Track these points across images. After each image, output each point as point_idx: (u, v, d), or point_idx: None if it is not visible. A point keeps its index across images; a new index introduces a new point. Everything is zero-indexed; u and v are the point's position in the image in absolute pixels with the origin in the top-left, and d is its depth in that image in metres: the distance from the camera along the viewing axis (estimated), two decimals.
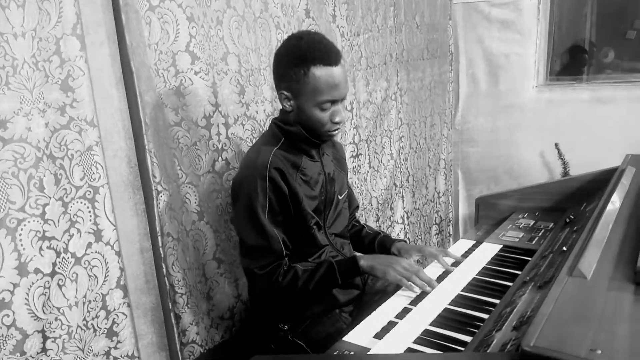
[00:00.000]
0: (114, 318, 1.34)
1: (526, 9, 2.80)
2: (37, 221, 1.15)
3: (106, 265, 1.31)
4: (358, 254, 1.48)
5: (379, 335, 1.13)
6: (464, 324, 1.13)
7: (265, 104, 1.74)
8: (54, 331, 1.20)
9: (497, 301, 1.21)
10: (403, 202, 2.66)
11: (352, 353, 1.05)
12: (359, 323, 1.19)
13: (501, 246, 1.59)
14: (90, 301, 1.28)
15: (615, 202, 1.32)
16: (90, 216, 1.27)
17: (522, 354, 0.66)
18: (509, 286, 1.28)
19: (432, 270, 1.44)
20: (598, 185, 1.70)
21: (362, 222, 1.78)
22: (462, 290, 1.30)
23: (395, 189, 2.59)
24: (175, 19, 1.41)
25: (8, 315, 1.11)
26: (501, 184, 3.00)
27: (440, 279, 1.38)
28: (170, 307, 1.47)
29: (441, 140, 3.03)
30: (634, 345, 0.68)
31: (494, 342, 0.92)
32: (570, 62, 3.01)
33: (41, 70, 1.14)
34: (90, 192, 1.27)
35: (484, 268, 1.44)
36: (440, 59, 2.90)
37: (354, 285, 1.49)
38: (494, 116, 3.02)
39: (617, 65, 2.92)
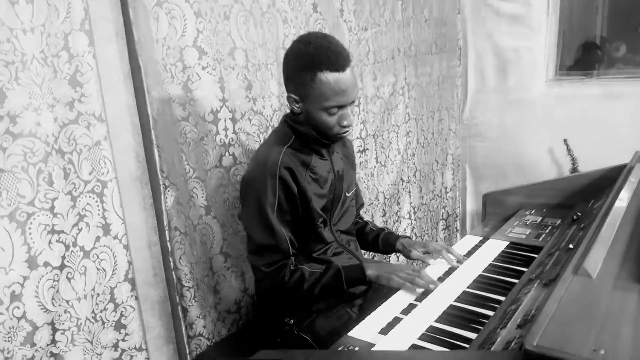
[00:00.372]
0: (122, 311, 1.36)
1: (536, 3, 2.77)
2: (47, 215, 1.17)
3: (114, 258, 1.33)
4: (365, 262, 1.48)
5: (384, 331, 1.14)
6: (469, 321, 1.13)
7: (272, 99, 1.74)
8: (63, 323, 1.22)
9: (502, 298, 1.21)
10: (410, 197, 2.66)
11: (356, 349, 1.06)
12: (365, 318, 1.20)
13: (508, 243, 1.58)
14: (98, 294, 1.30)
15: (622, 200, 1.31)
16: (99, 210, 1.29)
17: (525, 353, 0.67)
18: (514, 283, 1.28)
19: (437, 268, 1.44)
20: (606, 182, 1.68)
21: (368, 218, 1.78)
22: (467, 287, 1.31)
23: (402, 184, 2.59)
24: (182, 14, 1.42)
25: (18, 308, 1.13)
26: (509, 179, 2.98)
27: (446, 275, 1.39)
28: (178, 300, 1.48)
29: (449, 135, 3.02)
30: (637, 345, 0.68)
31: (499, 339, 0.92)
32: (582, 57, 2.98)
33: (50, 66, 1.15)
34: (98, 186, 1.28)
35: (490, 265, 1.44)
36: (448, 54, 2.88)
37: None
38: (503, 111, 3.00)
39: (629, 59, 2.88)
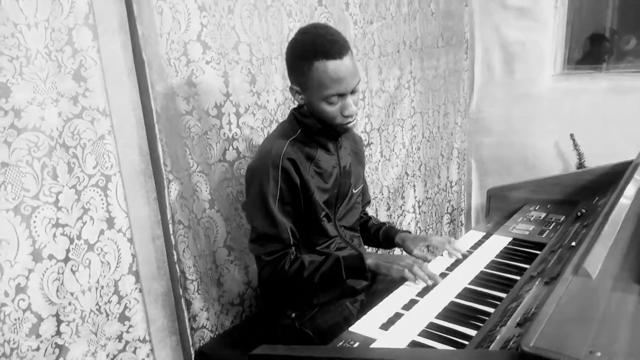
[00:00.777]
0: (126, 303, 1.38)
1: None
2: (51, 208, 1.18)
3: (118, 251, 1.34)
4: (366, 251, 1.48)
5: (385, 326, 1.14)
6: (470, 318, 1.13)
7: (276, 93, 1.74)
8: (67, 315, 1.24)
9: (503, 295, 1.21)
10: (415, 191, 2.66)
11: (357, 344, 1.07)
12: (366, 313, 1.21)
13: (511, 239, 1.58)
14: (102, 287, 1.32)
15: (626, 198, 1.31)
16: (103, 204, 1.30)
17: (521, 353, 0.67)
18: (516, 280, 1.28)
19: (440, 262, 1.45)
20: (612, 178, 1.67)
21: (372, 212, 1.78)
22: (469, 284, 1.31)
23: (407, 178, 2.59)
24: (186, 9, 1.42)
25: (24, 300, 1.15)
26: (515, 174, 2.97)
27: (448, 270, 1.39)
28: (181, 293, 1.50)
29: (455, 129, 3.00)
30: (634, 348, 0.68)
31: (498, 337, 0.92)
32: (591, 50, 2.95)
33: (54, 61, 1.16)
34: (102, 180, 1.29)
35: (492, 261, 1.44)
36: (455, 47, 2.86)
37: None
38: (509, 105, 2.97)
39: (639, 52, 2.85)
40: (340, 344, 1.07)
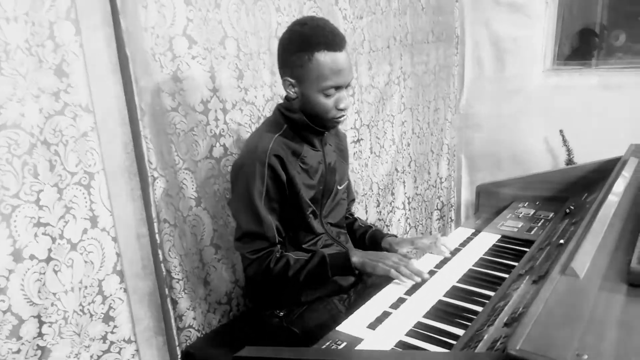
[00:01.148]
0: (111, 303, 1.36)
1: None
2: (32, 207, 1.15)
3: (102, 251, 1.32)
4: (352, 249, 1.47)
5: (372, 326, 1.13)
6: (458, 317, 1.13)
7: (264, 89, 1.72)
8: (50, 316, 1.21)
9: (491, 293, 1.20)
10: (404, 187, 2.65)
11: (344, 344, 1.05)
12: (354, 311, 1.19)
13: (499, 236, 1.58)
14: (86, 287, 1.29)
15: (615, 195, 1.30)
16: (86, 202, 1.27)
17: (507, 356, 0.66)
18: (504, 278, 1.27)
19: (429, 259, 1.44)
20: (600, 175, 1.67)
21: (362, 208, 1.77)
22: (457, 282, 1.30)
23: (397, 174, 2.58)
24: (172, 2, 1.39)
25: (3, 301, 1.12)
26: (504, 169, 2.97)
27: (437, 268, 1.38)
28: (167, 292, 1.48)
29: (445, 125, 3.00)
30: (621, 350, 0.67)
31: (485, 337, 0.92)
32: (580, 45, 2.95)
33: (35, 56, 1.13)
34: (85, 178, 1.26)
35: (481, 259, 1.43)
36: (445, 42, 2.85)
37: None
38: (499, 101, 2.97)
39: (629, 48, 2.85)
40: (327, 344, 1.06)
